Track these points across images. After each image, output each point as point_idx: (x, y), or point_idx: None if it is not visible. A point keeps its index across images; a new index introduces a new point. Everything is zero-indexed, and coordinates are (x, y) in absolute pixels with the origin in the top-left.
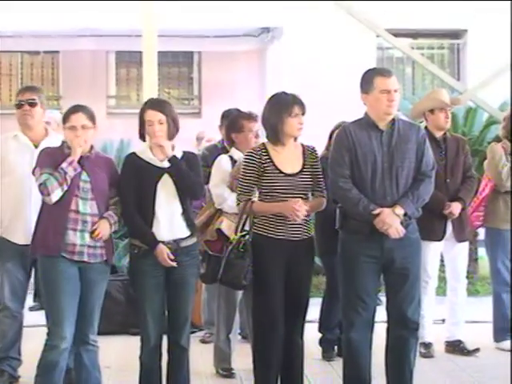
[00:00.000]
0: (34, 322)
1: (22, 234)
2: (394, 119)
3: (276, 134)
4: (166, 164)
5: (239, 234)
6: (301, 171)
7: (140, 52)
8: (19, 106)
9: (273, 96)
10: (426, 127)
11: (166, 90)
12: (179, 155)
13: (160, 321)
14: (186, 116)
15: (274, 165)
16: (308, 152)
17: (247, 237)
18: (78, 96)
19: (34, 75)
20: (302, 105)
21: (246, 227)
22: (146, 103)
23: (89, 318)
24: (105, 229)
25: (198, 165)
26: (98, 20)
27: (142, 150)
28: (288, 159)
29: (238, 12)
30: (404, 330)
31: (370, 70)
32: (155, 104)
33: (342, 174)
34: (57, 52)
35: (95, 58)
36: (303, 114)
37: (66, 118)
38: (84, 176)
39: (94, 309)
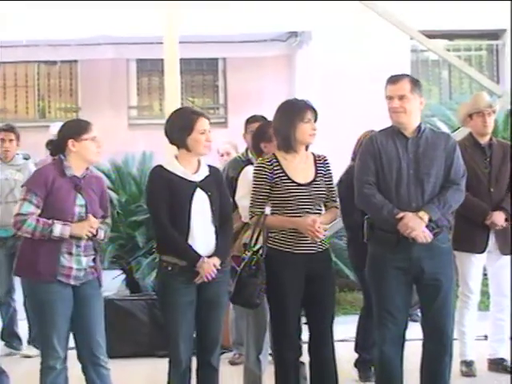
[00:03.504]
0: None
1: None
2: (419, 127)
3: (288, 142)
4: (198, 177)
5: (251, 250)
6: (314, 181)
7: (162, 60)
8: None
9: (284, 102)
10: (470, 133)
11: (190, 98)
12: (205, 170)
13: (191, 342)
14: (212, 126)
15: (286, 175)
16: (319, 161)
17: (259, 253)
18: (97, 107)
19: (51, 86)
20: (314, 110)
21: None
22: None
23: (94, 337)
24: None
25: (223, 181)
26: (118, 27)
27: (168, 162)
28: (300, 169)
29: (263, 16)
30: (438, 345)
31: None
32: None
33: (367, 180)
34: (75, 61)
35: (115, 66)
36: (315, 120)
37: (86, 129)
38: (79, 200)
39: (97, 326)
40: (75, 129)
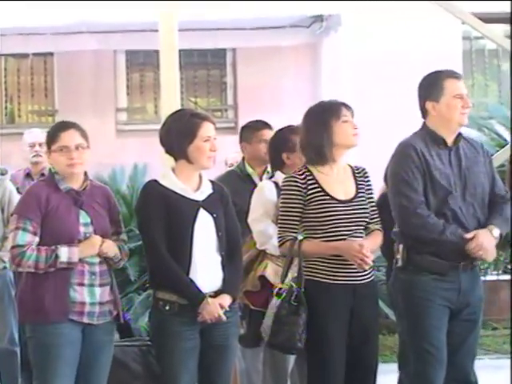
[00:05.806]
0: None
1: None
2: (460, 133)
3: (321, 150)
4: (201, 195)
5: (288, 283)
6: (356, 197)
7: (157, 51)
8: None
9: (310, 108)
10: None
11: (192, 98)
12: (208, 186)
13: None
14: (219, 131)
15: (323, 189)
16: (358, 174)
17: (296, 285)
18: (78, 110)
19: (22, 84)
20: (349, 107)
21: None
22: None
23: None
24: (111, 247)
25: (229, 200)
26: (103, 12)
27: (164, 175)
28: (339, 182)
29: None
30: None
31: (433, 72)
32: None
33: (419, 200)
34: (50, 54)
35: (100, 60)
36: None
37: (53, 138)
38: (83, 217)
39: (101, 378)
40: (47, 137)
